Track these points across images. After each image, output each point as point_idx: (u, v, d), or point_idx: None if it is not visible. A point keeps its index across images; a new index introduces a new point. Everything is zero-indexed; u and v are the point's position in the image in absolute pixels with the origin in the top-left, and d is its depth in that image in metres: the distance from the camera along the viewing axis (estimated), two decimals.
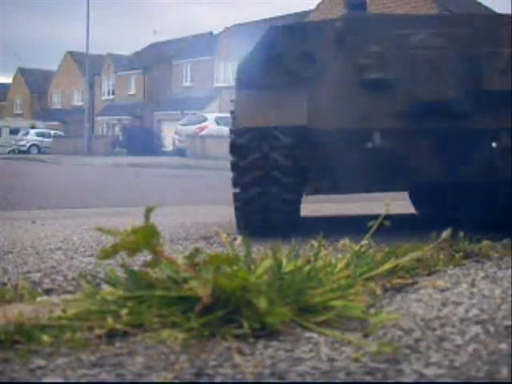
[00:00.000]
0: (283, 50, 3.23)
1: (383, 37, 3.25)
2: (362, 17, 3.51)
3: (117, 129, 44.67)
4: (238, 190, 3.47)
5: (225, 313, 1.39)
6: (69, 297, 1.81)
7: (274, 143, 3.30)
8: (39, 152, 39.71)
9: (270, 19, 44.40)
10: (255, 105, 3.30)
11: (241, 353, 1.28)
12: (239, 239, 2.02)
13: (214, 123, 29.09)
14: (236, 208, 3.57)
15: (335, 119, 3.26)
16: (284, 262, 1.66)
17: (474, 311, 1.60)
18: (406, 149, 3.34)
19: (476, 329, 1.44)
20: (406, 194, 5.24)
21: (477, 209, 4.06)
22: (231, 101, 3.50)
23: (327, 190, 4.03)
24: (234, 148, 3.41)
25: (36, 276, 2.34)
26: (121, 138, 36.65)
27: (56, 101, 59.37)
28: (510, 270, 2.17)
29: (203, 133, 27.86)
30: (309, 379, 1.14)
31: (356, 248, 1.99)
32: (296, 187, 3.46)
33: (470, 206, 4.17)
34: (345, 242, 2.14)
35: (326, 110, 3.26)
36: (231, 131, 3.46)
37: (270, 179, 3.33)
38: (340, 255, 1.95)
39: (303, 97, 3.23)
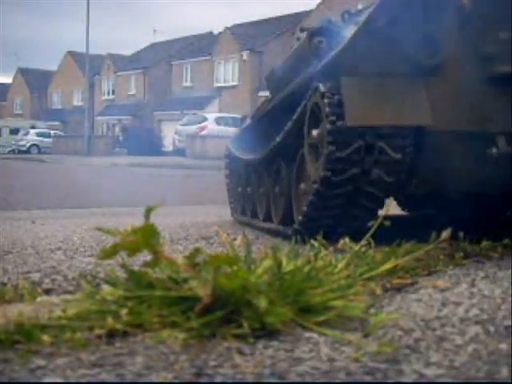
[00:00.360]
0: (401, 30, 2.67)
1: None
2: None
3: (117, 129, 44.66)
4: (320, 186, 2.90)
5: (225, 313, 1.39)
6: (69, 297, 1.81)
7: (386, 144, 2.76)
8: (39, 152, 39.71)
9: (269, 19, 44.53)
10: (368, 98, 2.73)
11: (241, 353, 1.28)
12: (239, 239, 2.02)
13: (214, 123, 29.13)
14: (309, 205, 3.02)
15: (457, 120, 2.79)
16: (284, 262, 1.66)
17: (474, 311, 1.60)
18: None
19: (476, 329, 1.44)
20: None
21: (467, 209, 3.95)
22: (324, 92, 2.79)
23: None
24: (332, 135, 2.77)
25: (36, 276, 2.34)
26: (121, 138, 36.66)
27: (56, 101, 59.34)
28: (510, 270, 2.17)
29: (203, 133, 27.90)
30: (309, 379, 1.14)
31: (356, 248, 1.99)
32: (392, 188, 2.96)
33: (461, 206, 4.07)
34: (345, 241, 2.13)
35: (449, 108, 2.77)
36: (331, 113, 2.74)
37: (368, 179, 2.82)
38: (340, 255, 1.94)
39: (424, 90, 2.71)
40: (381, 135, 2.74)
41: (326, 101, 2.76)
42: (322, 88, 2.81)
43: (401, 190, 3.08)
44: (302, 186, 3.36)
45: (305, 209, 3.08)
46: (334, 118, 2.73)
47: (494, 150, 2.77)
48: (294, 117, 3.29)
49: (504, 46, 2.73)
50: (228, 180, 5.47)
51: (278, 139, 3.63)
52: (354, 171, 2.79)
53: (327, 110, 2.75)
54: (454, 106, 2.79)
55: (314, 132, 2.96)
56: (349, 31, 2.96)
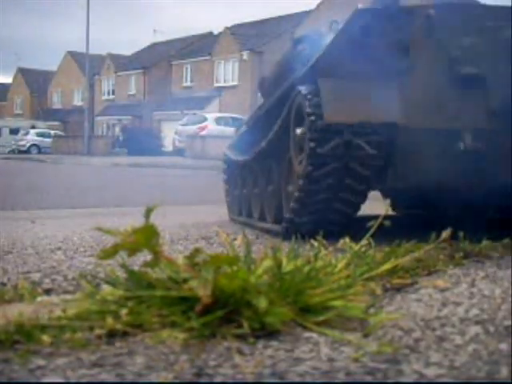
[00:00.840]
0: (373, 38, 2.92)
1: (476, 28, 3.00)
2: (457, 5, 3.17)
3: (117, 129, 44.67)
4: (304, 181, 3.12)
5: (225, 313, 1.39)
6: (69, 297, 1.81)
7: (359, 139, 2.98)
8: (39, 152, 39.69)
9: (269, 19, 44.53)
10: (342, 97, 2.98)
11: (241, 353, 1.28)
12: (239, 239, 2.02)
13: (214, 123, 29.12)
14: (296, 200, 3.23)
15: (426, 118, 3.02)
16: (284, 261, 1.66)
17: (474, 311, 1.60)
18: (497, 151, 3.05)
19: (476, 329, 1.44)
20: None
21: (457, 209, 4.02)
22: (306, 94, 3.04)
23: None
24: (314, 135, 3.01)
25: (36, 276, 2.34)
26: (121, 138, 36.65)
27: (56, 101, 59.33)
28: (509, 270, 2.17)
29: (203, 133, 27.87)
30: (309, 379, 1.14)
31: (356, 248, 1.99)
32: (370, 184, 3.20)
33: (451, 205, 4.13)
34: (345, 241, 2.14)
35: (417, 107, 3.01)
36: (311, 114, 3.00)
37: (348, 171, 3.05)
38: (340, 255, 1.95)
39: (395, 90, 2.96)
40: (357, 133, 2.97)
41: (307, 102, 3.03)
42: (303, 91, 3.07)
43: (379, 184, 3.28)
44: (290, 188, 3.53)
45: (292, 205, 3.28)
46: (313, 117, 2.99)
47: (461, 146, 3.01)
48: (280, 118, 3.51)
49: (467, 51, 2.99)
50: (227, 186, 5.67)
51: (267, 139, 3.81)
52: (334, 165, 3.03)
53: (308, 110, 3.01)
54: (423, 105, 3.01)
55: (298, 130, 3.18)
56: (327, 40, 3.19)
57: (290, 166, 3.56)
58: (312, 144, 2.99)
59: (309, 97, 3.00)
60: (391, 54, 2.93)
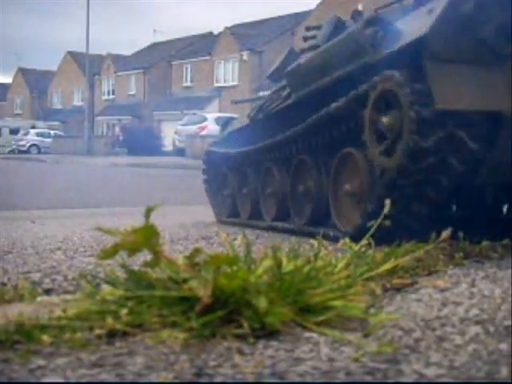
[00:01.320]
0: (478, 20, 2.71)
1: None
2: None
3: (117, 129, 44.68)
4: (396, 174, 2.87)
5: (225, 313, 1.39)
6: (69, 297, 1.81)
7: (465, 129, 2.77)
8: (39, 152, 39.72)
9: (269, 19, 44.56)
10: (454, 83, 2.75)
11: (241, 353, 1.28)
12: (239, 239, 2.02)
13: (214, 123, 29.11)
14: (376, 198, 2.96)
15: None
16: (284, 261, 1.66)
17: (474, 311, 1.60)
18: None
19: (476, 329, 1.44)
20: None
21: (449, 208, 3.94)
22: (399, 78, 2.80)
23: None
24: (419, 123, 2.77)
25: (36, 276, 2.34)
26: (121, 138, 36.68)
27: (56, 101, 59.34)
28: (509, 271, 2.17)
29: (203, 133, 27.88)
30: (309, 379, 1.14)
31: (356, 248, 1.99)
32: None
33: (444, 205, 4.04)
34: (345, 241, 2.13)
35: None
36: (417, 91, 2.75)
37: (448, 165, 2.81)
38: (340, 255, 1.95)
39: (502, 77, 2.76)
40: (461, 124, 2.75)
41: (407, 89, 2.75)
42: (397, 75, 2.80)
43: (469, 181, 3.02)
44: (347, 186, 3.32)
45: (370, 207, 3.00)
46: (418, 107, 2.72)
47: None
48: (341, 108, 3.26)
49: None
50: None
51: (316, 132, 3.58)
52: (432, 160, 2.79)
53: (412, 98, 2.73)
54: None
55: (385, 119, 2.91)
56: (408, 20, 2.97)
57: (346, 161, 3.35)
58: (414, 137, 2.73)
59: (408, 83, 2.75)
60: (499, 38, 2.75)
